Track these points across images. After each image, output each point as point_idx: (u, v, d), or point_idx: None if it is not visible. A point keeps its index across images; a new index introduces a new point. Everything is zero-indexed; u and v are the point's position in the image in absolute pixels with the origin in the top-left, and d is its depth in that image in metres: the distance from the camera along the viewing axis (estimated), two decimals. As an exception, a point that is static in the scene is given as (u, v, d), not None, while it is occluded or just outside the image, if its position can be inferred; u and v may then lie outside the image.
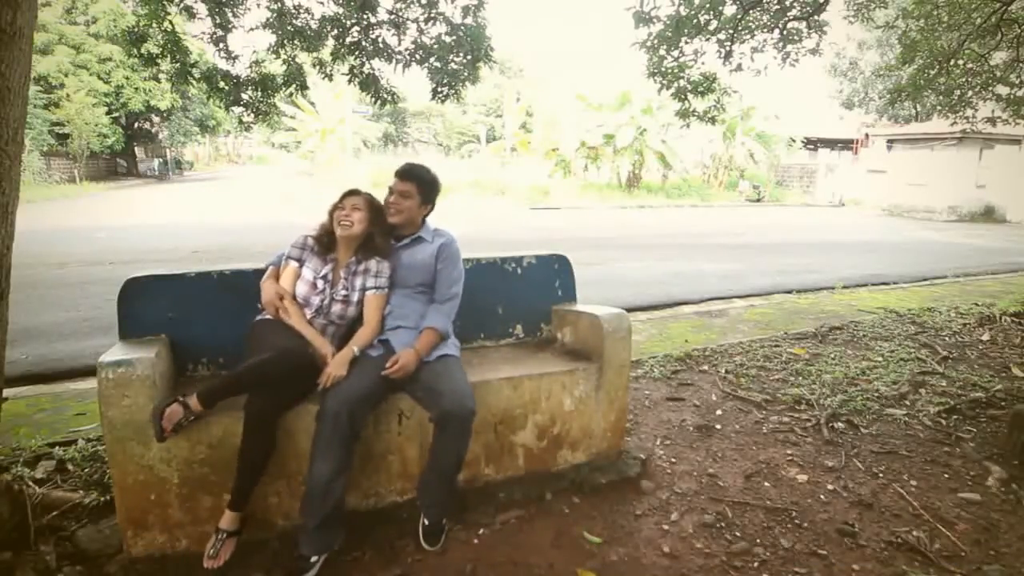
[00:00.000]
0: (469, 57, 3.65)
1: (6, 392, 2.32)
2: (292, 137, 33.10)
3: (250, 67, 3.80)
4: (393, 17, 3.65)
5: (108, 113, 23.81)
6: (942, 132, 17.34)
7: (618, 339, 2.58)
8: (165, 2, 3.44)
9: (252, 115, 3.92)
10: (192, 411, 1.89)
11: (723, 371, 4.01)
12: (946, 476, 2.75)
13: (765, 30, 4.61)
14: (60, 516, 2.17)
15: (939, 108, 6.84)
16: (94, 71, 23.48)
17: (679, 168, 24.77)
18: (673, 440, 3.05)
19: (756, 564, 2.11)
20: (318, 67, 3.84)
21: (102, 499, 2.24)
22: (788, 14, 4.50)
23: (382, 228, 2.30)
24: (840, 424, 3.25)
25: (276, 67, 3.86)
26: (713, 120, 5.00)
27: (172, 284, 2.32)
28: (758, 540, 2.25)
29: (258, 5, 3.60)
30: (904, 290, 7.22)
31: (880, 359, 4.31)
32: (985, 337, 4.95)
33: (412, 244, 2.38)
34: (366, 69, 3.78)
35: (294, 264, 2.26)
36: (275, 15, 3.53)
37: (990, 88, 6.13)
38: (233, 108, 3.91)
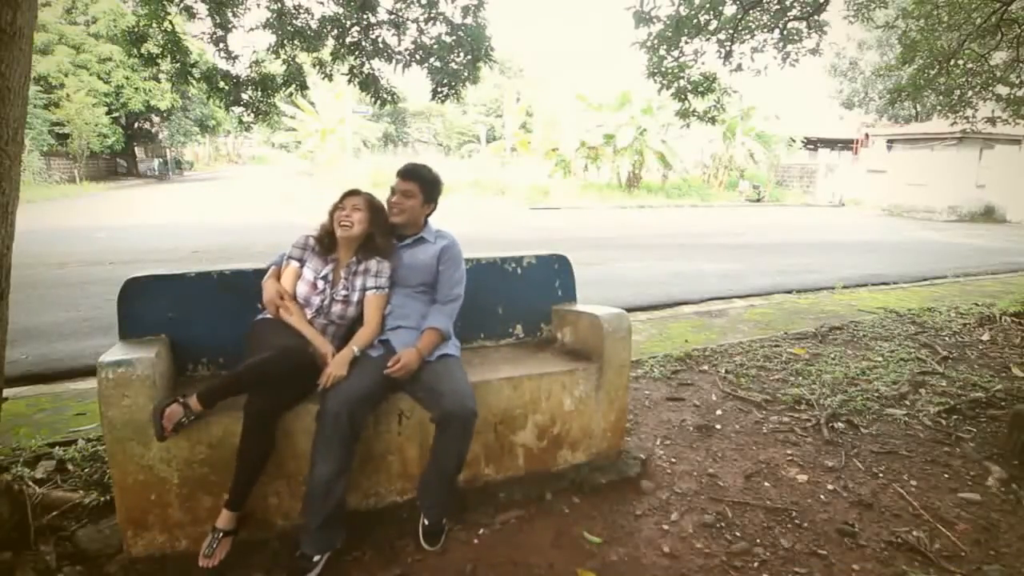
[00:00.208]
0: (469, 57, 3.65)
1: (6, 392, 2.32)
2: (292, 137, 33.12)
3: (250, 67, 3.80)
4: (393, 17, 3.65)
5: (108, 113, 23.82)
6: (942, 132, 17.34)
7: (618, 339, 2.58)
8: (165, 2, 3.44)
9: (252, 115, 3.92)
10: (192, 411, 1.89)
11: (723, 371, 4.01)
12: (946, 476, 2.75)
13: (765, 30, 4.61)
14: (60, 516, 2.17)
15: (939, 108, 6.83)
16: (94, 71, 23.49)
17: (679, 168, 24.77)
18: (673, 440, 3.05)
19: (756, 564, 2.11)
20: (318, 67, 3.84)
21: (102, 499, 2.24)
22: (788, 14, 4.50)
23: (382, 228, 2.30)
24: (840, 424, 3.25)
25: (276, 67, 3.86)
26: (713, 120, 5.00)
27: (172, 284, 2.32)
28: (758, 540, 2.25)
29: (258, 5, 3.60)
30: (904, 290, 7.22)
31: (880, 359, 4.31)
32: (985, 337, 4.95)
33: (414, 244, 2.39)
34: (366, 69, 3.78)
35: (295, 264, 2.26)
36: (275, 15, 3.53)
37: (990, 88, 6.13)
38: (233, 108, 3.91)
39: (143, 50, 3.53)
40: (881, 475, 2.74)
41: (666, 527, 2.33)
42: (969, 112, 6.49)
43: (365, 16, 3.59)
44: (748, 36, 4.62)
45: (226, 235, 10.46)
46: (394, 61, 3.68)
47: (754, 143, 25.11)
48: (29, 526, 2.06)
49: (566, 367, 2.57)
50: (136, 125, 29.39)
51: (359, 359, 2.18)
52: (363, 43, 3.66)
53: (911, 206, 20.33)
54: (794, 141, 25.68)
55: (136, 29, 3.50)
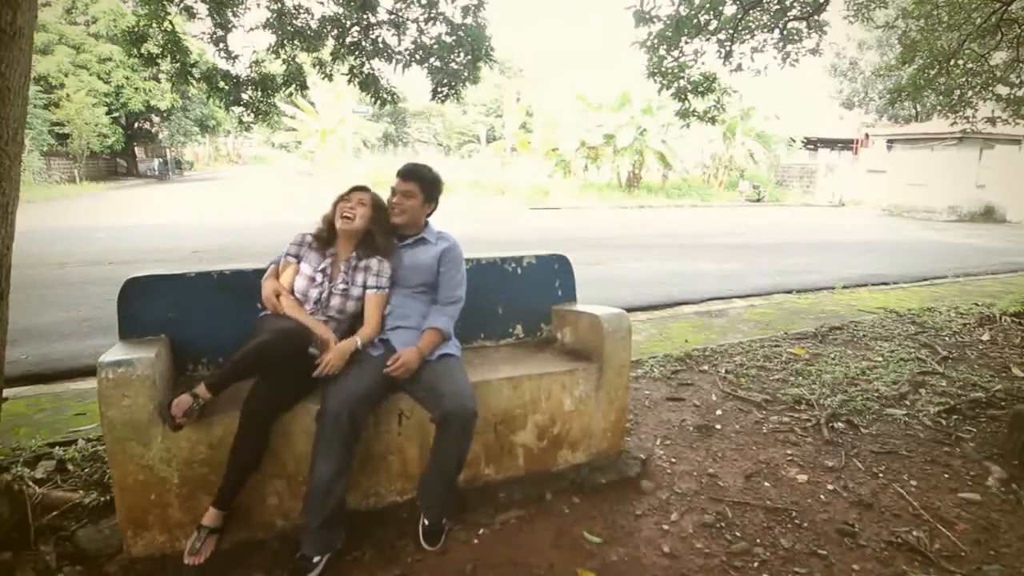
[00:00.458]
0: (469, 57, 3.65)
1: (6, 392, 2.32)
2: (292, 137, 33.10)
3: (250, 67, 3.80)
4: (393, 17, 3.65)
5: (108, 113, 23.82)
6: (942, 132, 17.34)
7: (618, 339, 2.58)
8: (165, 2, 3.44)
9: (252, 115, 3.92)
10: (201, 398, 1.92)
11: (723, 371, 4.01)
12: (946, 476, 2.75)
13: (765, 30, 4.61)
14: (60, 516, 2.17)
15: (939, 108, 6.84)
16: (94, 71, 23.49)
17: (679, 168, 24.77)
18: (673, 440, 3.05)
19: (756, 564, 2.11)
20: (318, 67, 3.84)
21: (102, 499, 2.24)
22: (788, 14, 4.50)
23: (383, 228, 2.31)
24: (840, 424, 3.25)
25: (276, 67, 3.86)
26: (713, 120, 5.00)
27: (172, 284, 2.32)
28: (758, 540, 2.25)
29: (258, 5, 3.60)
30: (904, 290, 7.22)
31: (880, 359, 4.31)
32: (985, 337, 4.95)
33: (415, 245, 2.39)
34: (366, 69, 3.78)
35: (293, 262, 2.26)
36: (275, 15, 3.53)
37: (990, 88, 6.13)
38: (233, 108, 3.91)
39: (143, 50, 3.52)
40: (881, 475, 2.74)
41: (666, 527, 2.33)
42: (969, 112, 6.49)
43: (365, 16, 3.59)
44: (748, 36, 4.62)
45: (226, 235, 10.46)
46: (394, 61, 3.68)
47: (754, 143, 25.12)
48: (29, 526, 2.06)
49: (566, 367, 2.57)
50: (136, 125, 29.39)
51: (359, 359, 2.18)
52: (363, 43, 3.67)
53: (911, 206, 20.33)
54: (794, 141, 25.68)
55: (136, 29, 3.50)
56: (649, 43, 4.49)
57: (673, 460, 2.85)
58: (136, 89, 24.64)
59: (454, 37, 3.61)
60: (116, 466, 1.91)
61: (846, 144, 28.02)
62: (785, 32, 4.54)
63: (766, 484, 2.65)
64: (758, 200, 24.44)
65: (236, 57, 3.75)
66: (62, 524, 2.14)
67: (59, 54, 22.32)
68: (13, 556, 1.97)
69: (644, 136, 22.70)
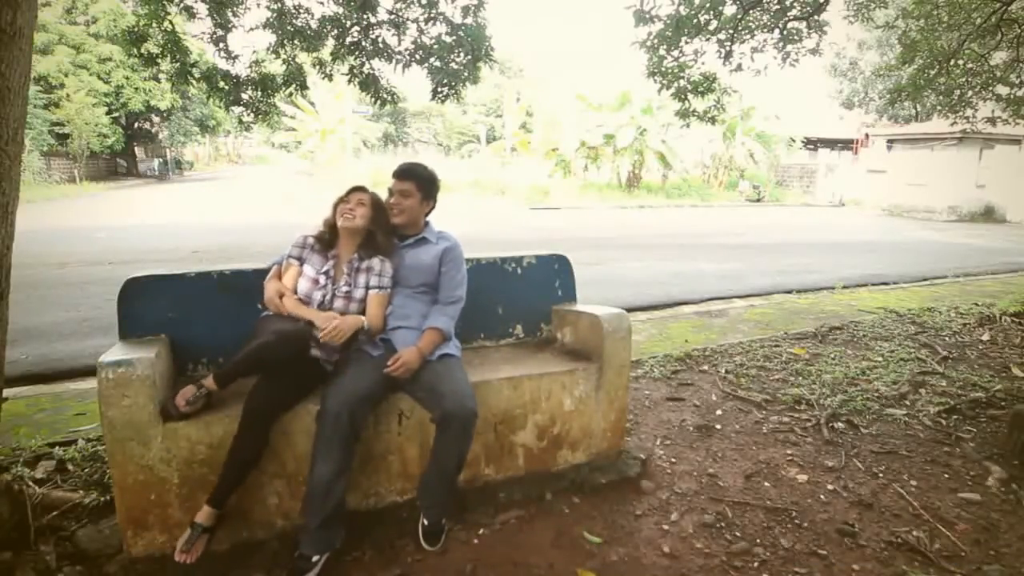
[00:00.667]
0: (469, 57, 3.65)
1: (6, 392, 2.32)
2: (292, 137, 33.11)
3: (250, 67, 3.80)
4: (393, 17, 3.65)
5: (108, 113, 23.82)
6: (942, 132, 17.34)
7: (618, 339, 2.58)
8: (165, 2, 3.44)
9: (252, 115, 3.93)
10: (206, 388, 1.96)
11: (723, 371, 4.01)
12: (946, 476, 2.75)
13: (765, 30, 4.62)
14: (60, 516, 2.17)
15: (939, 108, 6.84)
16: (94, 71, 23.49)
17: (679, 168, 24.77)
18: (673, 440, 3.05)
19: (756, 564, 2.11)
20: (318, 67, 3.84)
21: (102, 499, 2.24)
22: (788, 14, 4.50)
23: (384, 227, 2.31)
24: (840, 424, 3.25)
25: (276, 67, 3.86)
26: (713, 120, 5.00)
27: (172, 284, 2.32)
28: (758, 540, 2.25)
29: (258, 5, 3.60)
30: (904, 290, 7.22)
31: (880, 359, 4.31)
32: (985, 337, 4.95)
33: (416, 245, 2.39)
34: (366, 69, 3.79)
35: (295, 264, 2.27)
36: (275, 15, 3.53)
37: (990, 88, 6.13)
38: (233, 108, 3.91)
39: (143, 50, 3.52)
40: (881, 475, 2.74)
41: (666, 527, 2.33)
42: (969, 112, 6.50)
43: (365, 16, 3.59)
44: (748, 36, 4.62)
45: (226, 235, 10.46)
46: (394, 61, 3.68)
47: (754, 143, 25.12)
48: (29, 526, 2.06)
49: (566, 367, 2.57)
50: (136, 125, 29.39)
51: (360, 359, 2.18)
52: (363, 43, 3.67)
53: (911, 206, 20.33)
54: (794, 141, 25.69)
55: (136, 29, 3.50)
56: (649, 43, 4.50)
57: (673, 460, 2.85)
58: (136, 89, 24.64)
59: (454, 37, 3.61)
60: (116, 466, 1.91)
61: (846, 144, 28.02)
62: (785, 32, 4.54)
63: (766, 484, 2.65)
64: (758, 200, 24.44)
65: (236, 57, 3.75)
66: (62, 524, 2.14)
67: (59, 54, 22.32)
68: (13, 556, 1.97)
69: (644, 136, 22.70)
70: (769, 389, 3.72)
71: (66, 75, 22.13)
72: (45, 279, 6.59)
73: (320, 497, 1.97)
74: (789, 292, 6.97)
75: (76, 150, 22.58)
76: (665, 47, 4.52)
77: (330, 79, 4.00)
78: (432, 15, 3.60)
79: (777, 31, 4.57)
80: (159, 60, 3.56)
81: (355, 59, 3.73)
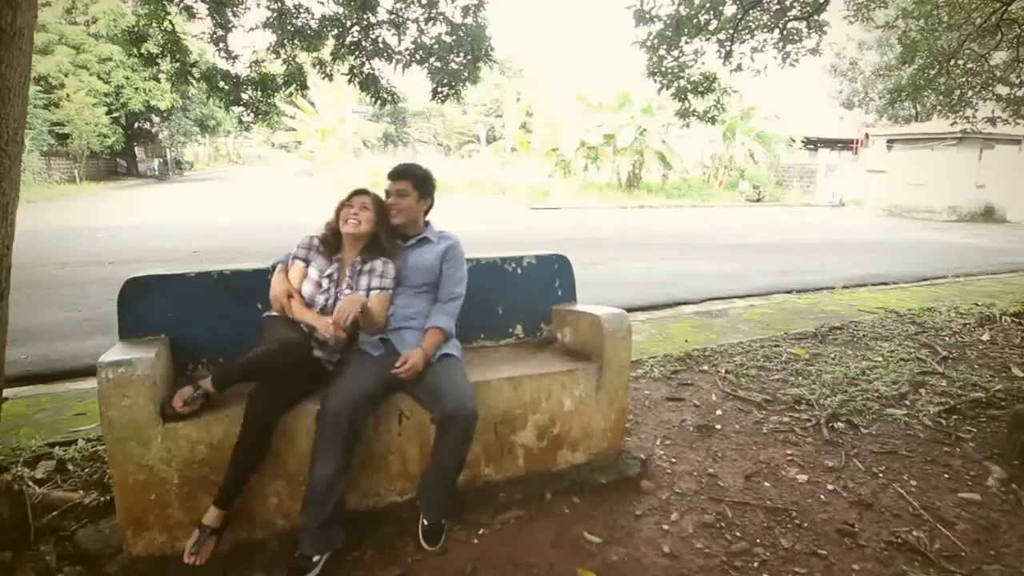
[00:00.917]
0: (469, 57, 3.65)
1: (6, 392, 2.32)
2: (292, 137, 33.09)
3: (250, 67, 3.80)
4: (393, 17, 3.64)
5: (108, 113, 23.82)
6: (942, 132, 17.33)
7: (618, 339, 2.58)
8: (165, 2, 3.44)
9: (252, 115, 3.93)
10: (203, 389, 1.96)
11: (723, 371, 4.01)
12: (946, 476, 2.75)
13: (765, 30, 4.62)
14: (60, 516, 2.17)
15: (939, 108, 6.85)
16: (94, 71, 23.49)
17: (679, 168, 24.78)
18: (673, 440, 3.05)
19: (756, 564, 2.11)
20: (318, 67, 3.84)
21: (102, 499, 2.24)
22: (788, 14, 4.50)
23: (388, 229, 2.31)
24: (840, 424, 3.25)
25: (276, 67, 3.85)
26: (713, 120, 5.01)
27: (172, 284, 2.32)
28: (758, 540, 2.25)
29: (258, 5, 3.60)
30: (904, 290, 7.22)
31: (880, 359, 4.31)
32: (985, 337, 4.95)
33: (419, 245, 2.40)
34: (366, 69, 3.78)
35: (300, 264, 2.27)
36: (275, 15, 3.52)
37: (990, 88, 6.14)
38: (233, 108, 3.91)
39: (143, 50, 3.52)
40: (881, 475, 2.74)
41: (666, 527, 2.33)
42: (969, 112, 6.50)
43: (365, 16, 3.59)
44: (748, 36, 4.63)
45: (226, 235, 10.46)
46: (394, 61, 3.68)
47: (754, 143, 25.13)
48: (29, 526, 2.06)
49: (566, 367, 2.57)
50: (136, 125, 29.39)
51: (360, 359, 2.18)
52: (363, 43, 3.66)
53: (911, 206, 20.33)
54: (794, 141, 25.69)
55: (136, 29, 3.50)
56: (649, 43, 4.50)
57: (673, 460, 2.85)
58: (136, 89, 24.65)
59: (454, 37, 3.60)
60: (116, 466, 1.91)
61: (846, 144, 28.01)
62: (785, 32, 4.54)
63: (766, 484, 2.65)
64: (758, 200, 24.44)
65: (236, 57, 3.75)
66: (62, 524, 2.14)
67: (59, 54, 22.31)
68: (13, 556, 1.97)
69: (644, 136, 22.71)
70: (769, 389, 3.72)
71: (66, 75, 22.13)
72: (45, 279, 6.59)
73: (320, 497, 1.97)
74: (789, 292, 6.97)
75: (76, 150, 22.59)
76: (665, 47, 4.53)
77: (330, 79, 4.00)
78: (432, 15, 3.60)
79: (777, 31, 4.57)
80: (159, 60, 3.56)
81: (355, 59, 3.73)
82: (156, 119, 30.18)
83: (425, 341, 2.25)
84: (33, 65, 1.97)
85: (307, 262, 2.27)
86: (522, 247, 4.74)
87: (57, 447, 2.68)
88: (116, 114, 24.83)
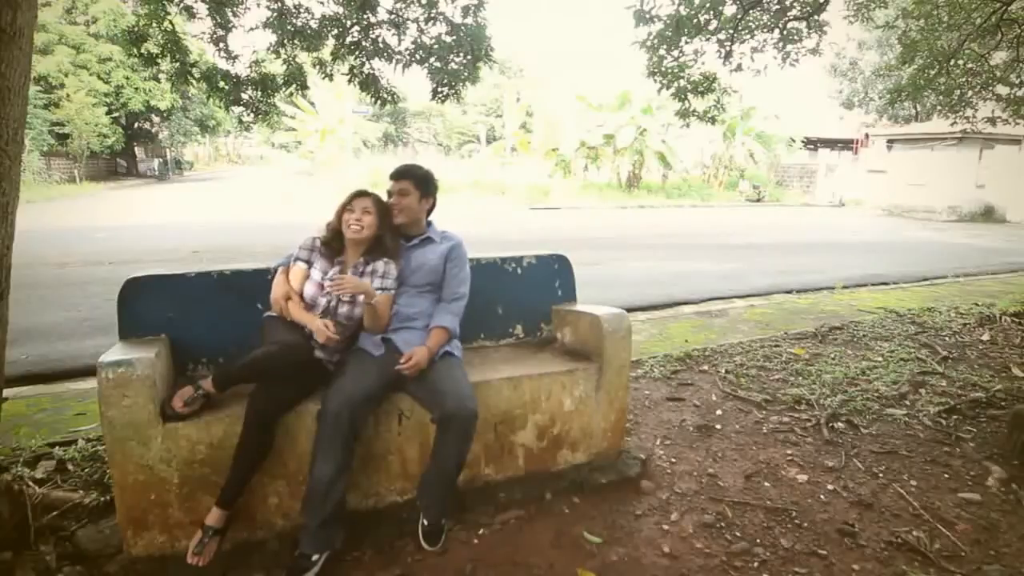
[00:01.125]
0: (469, 57, 3.65)
1: (6, 392, 2.32)
2: (292, 137, 33.08)
3: (250, 67, 3.80)
4: (393, 17, 3.64)
5: (108, 113, 23.82)
6: (942, 132, 17.33)
7: (618, 339, 2.58)
8: (165, 2, 3.44)
9: (252, 115, 3.92)
10: (203, 389, 1.96)
11: (723, 371, 4.01)
12: (946, 476, 2.75)
13: (765, 30, 4.62)
14: (60, 516, 2.17)
15: (939, 108, 6.84)
16: (94, 71, 23.49)
17: (679, 168, 24.78)
18: (673, 440, 3.05)
19: (756, 564, 2.11)
20: (318, 67, 3.83)
21: (102, 499, 2.24)
22: (788, 14, 4.50)
23: (392, 229, 2.31)
24: (840, 424, 3.25)
25: (276, 67, 3.85)
26: (713, 120, 5.00)
27: (172, 284, 2.32)
28: (758, 540, 2.25)
29: (258, 5, 3.59)
30: (904, 290, 7.22)
31: (880, 359, 4.31)
32: (985, 337, 4.95)
33: (421, 244, 2.40)
34: (366, 69, 3.78)
35: (302, 265, 2.27)
36: (275, 15, 3.52)
37: (990, 88, 6.14)
38: (233, 108, 3.90)
39: (143, 50, 3.52)
40: (881, 475, 2.74)
41: (666, 527, 2.33)
42: (969, 112, 6.50)
43: (365, 16, 3.59)
44: (748, 36, 4.63)
45: (226, 235, 10.46)
46: (394, 61, 3.68)
47: (754, 143, 25.13)
48: (29, 526, 2.06)
49: (566, 367, 2.57)
50: (136, 125, 29.39)
51: (360, 359, 2.18)
52: (363, 43, 3.66)
53: (911, 206, 20.33)
54: (794, 141, 25.69)
55: (136, 29, 3.49)
56: (649, 43, 4.50)
57: (673, 460, 2.85)
58: (136, 89, 24.65)
59: (454, 37, 3.60)
60: (116, 466, 1.91)
61: (846, 144, 28.02)
62: (785, 32, 4.54)
63: (766, 484, 2.65)
64: (758, 200, 24.44)
65: (236, 57, 3.75)
66: (62, 524, 2.14)
67: (59, 54, 22.32)
68: (13, 556, 1.97)
69: (644, 136, 22.70)
70: (769, 389, 3.72)
71: (66, 75, 22.14)
72: (45, 279, 6.59)
73: (320, 496, 1.97)
74: (789, 292, 6.97)
75: (76, 150, 22.58)
76: (665, 47, 4.53)
77: (330, 79, 4.00)
78: (432, 15, 3.60)
79: (777, 31, 4.57)
80: (159, 60, 3.56)
81: (355, 59, 3.73)
82: (156, 119, 30.18)
83: (430, 340, 2.25)
84: (33, 65, 1.97)
85: (309, 263, 2.27)
86: (522, 247, 4.74)
87: (57, 447, 2.68)
88: (116, 114, 24.82)
